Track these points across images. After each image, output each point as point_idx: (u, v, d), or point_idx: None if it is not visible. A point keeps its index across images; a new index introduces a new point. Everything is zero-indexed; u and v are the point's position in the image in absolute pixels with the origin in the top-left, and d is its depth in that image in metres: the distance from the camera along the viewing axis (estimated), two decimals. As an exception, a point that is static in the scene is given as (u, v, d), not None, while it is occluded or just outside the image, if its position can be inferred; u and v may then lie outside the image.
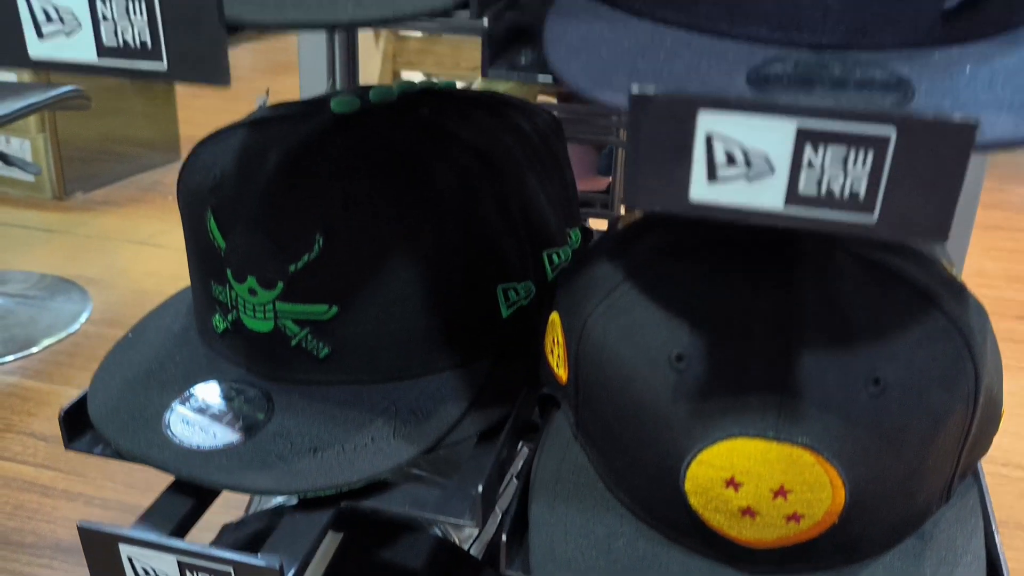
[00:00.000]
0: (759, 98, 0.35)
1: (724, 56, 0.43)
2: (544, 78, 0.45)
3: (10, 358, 1.80)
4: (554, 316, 0.59)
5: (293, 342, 0.60)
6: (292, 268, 0.58)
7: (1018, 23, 0.46)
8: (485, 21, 0.45)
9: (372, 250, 0.59)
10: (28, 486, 1.44)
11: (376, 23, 0.43)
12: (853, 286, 0.49)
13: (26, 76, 2.36)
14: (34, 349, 1.83)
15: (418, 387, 0.62)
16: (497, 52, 0.47)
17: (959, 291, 0.52)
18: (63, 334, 1.89)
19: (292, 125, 0.62)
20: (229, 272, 0.60)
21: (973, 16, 0.44)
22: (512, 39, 0.50)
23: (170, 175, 2.79)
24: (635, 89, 0.35)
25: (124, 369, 0.64)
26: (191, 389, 0.61)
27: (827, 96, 0.39)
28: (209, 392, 0.61)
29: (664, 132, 0.36)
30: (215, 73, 0.40)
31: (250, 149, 0.60)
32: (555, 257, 0.71)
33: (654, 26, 0.46)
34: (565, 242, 0.73)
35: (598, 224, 0.97)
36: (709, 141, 0.35)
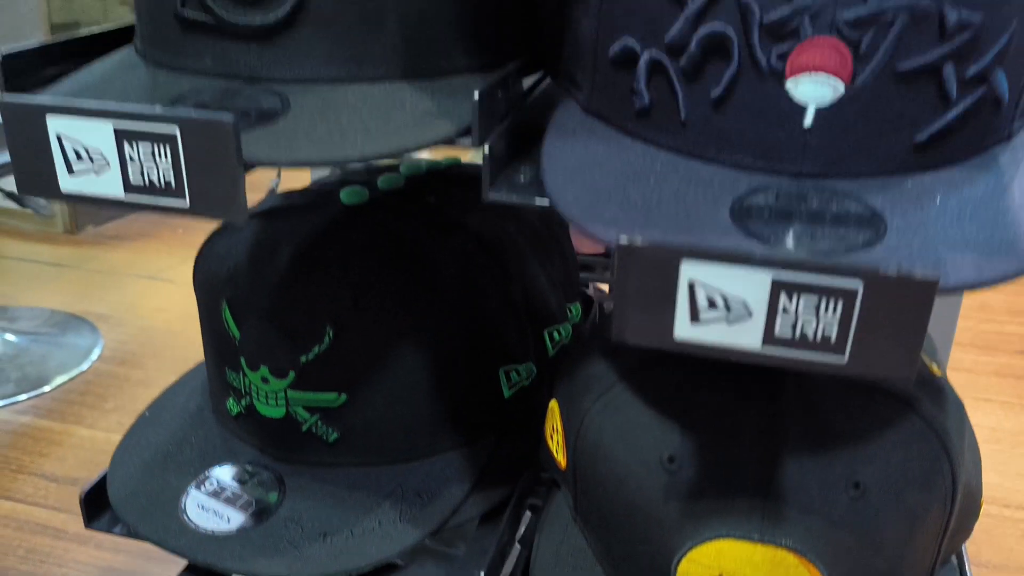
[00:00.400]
0: (737, 251, 0.37)
1: (710, 184, 0.46)
2: (542, 201, 0.48)
3: (23, 397, 1.83)
4: (553, 404, 0.61)
5: (304, 427, 0.63)
6: (303, 359, 0.61)
7: (988, 146, 0.49)
8: (486, 147, 0.48)
9: (379, 341, 0.62)
10: (40, 529, 1.46)
11: (384, 156, 0.46)
12: (834, 393, 0.51)
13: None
14: (46, 388, 1.85)
15: (423, 469, 0.65)
16: (498, 171, 0.50)
17: (937, 390, 0.55)
18: (74, 372, 1.92)
19: (302, 217, 0.65)
20: (243, 360, 0.63)
21: (944, 145, 0.47)
22: (513, 152, 0.53)
23: (180, 209, 2.82)
24: (623, 239, 0.38)
25: (142, 450, 0.66)
26: (206, 471, 0.64)
27: (805, 232, 0.42)
28: (224, 474, 0.64)
29: (650, 278, 0.38)
30: (233, 210, 0.43)
31: (262, 242, 0.63)
32: (556, 335, 0.74)
33: (645, 147, 0.49)
34: (565, 318, 0.76)
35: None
36: (692, 287, 0.38)
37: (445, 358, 0.64)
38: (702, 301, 0.38)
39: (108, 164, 0.43)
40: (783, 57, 0.44)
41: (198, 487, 0.62)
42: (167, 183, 0.43)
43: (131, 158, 0.43)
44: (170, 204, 0.43)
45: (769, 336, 0.38)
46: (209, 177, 0.42)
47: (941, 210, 0.44)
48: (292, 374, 0.62)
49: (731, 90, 0.45)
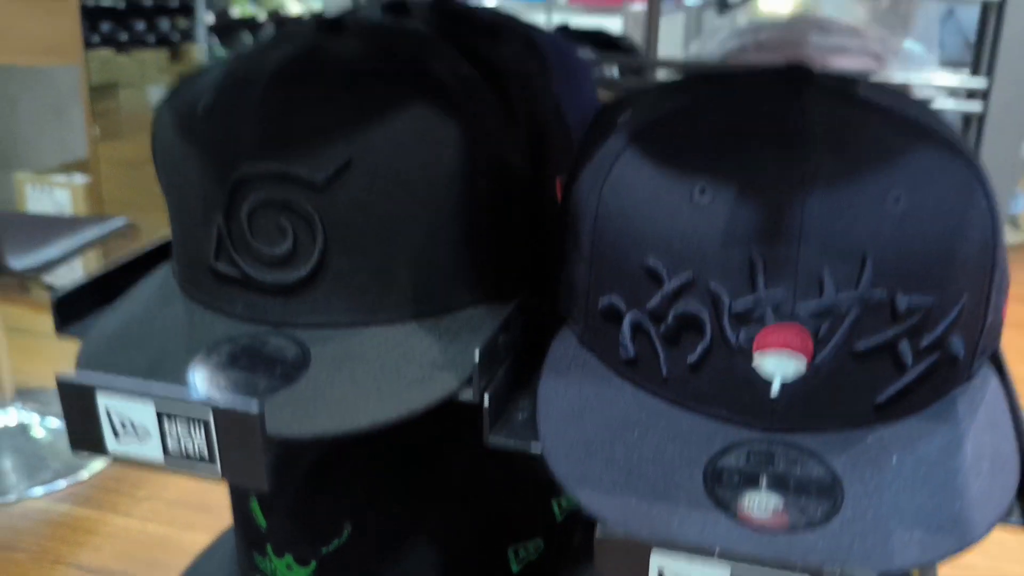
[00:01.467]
0: (699, 547, 0.42)
1: (688, 440, 0.51)
2: (536, 448, 0.53)
3: (63, 484, 1.88)
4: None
5: (325, 610, 0.68)
6: (324, 550, 0.66)
7: (947, 391, 0.53)
8: (486, 399, 0.53)
9: (394, 534, 0.67)
10: (78, 625, 1.52)
11: (394, 421, 0.51)
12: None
13: (81, 195, 2.50)
14: (84, 475, 1.91)
15: (436, 647, 0.70)
16: (498, 415, 0.55)
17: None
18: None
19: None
20: (269, 547, 0.68)
21: (903, 402, 0.51)
22: (514, 381, 0.58)
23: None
24: (599, 532, 0.43)
25: (175, 625, 0.72)
26: (236, 650, 0.69)
27: (768, 502, 0.47)
28: (251, 653, 0.69)
29: (624, 564, 0.43)
30: (257, 478, 0.48)
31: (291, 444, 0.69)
32: (564, 502, 0.78)
33: (635, 392, 0.54)
34: (572, 482, 0.81)
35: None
36: (661, 574, 0.43)
37: (456, 545, 0.69)
38: (670, 581, 0.43)
39: (150, 435, 0.49)
40: (750, 337, 0.49)
41: (227, 667, 0.68)
42: (201, 454, 0.48)
43: (170, 432, 0.48)
44: (204, 471, 0.49)
45: (730, 616, 0.43)
46: (237, 452, 0.48)
47: (896, 472, 0.49)
48: (314, 563, 0.67)
49: (705, 359, 0.50)
